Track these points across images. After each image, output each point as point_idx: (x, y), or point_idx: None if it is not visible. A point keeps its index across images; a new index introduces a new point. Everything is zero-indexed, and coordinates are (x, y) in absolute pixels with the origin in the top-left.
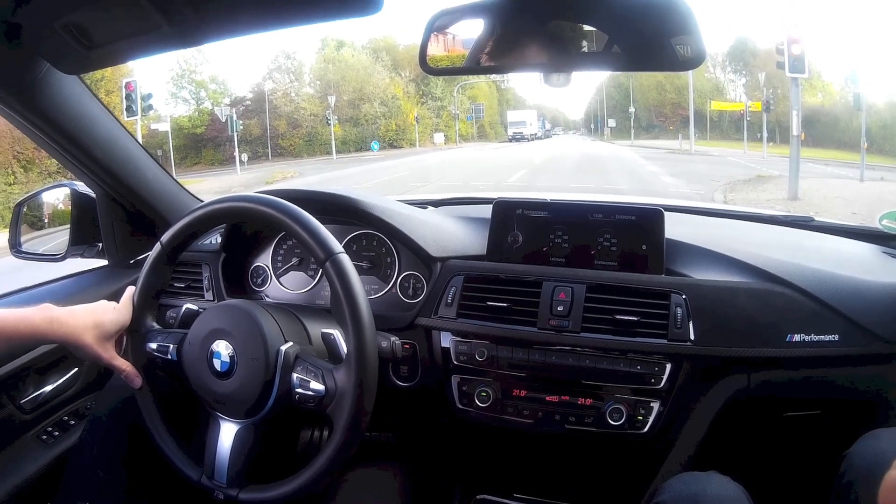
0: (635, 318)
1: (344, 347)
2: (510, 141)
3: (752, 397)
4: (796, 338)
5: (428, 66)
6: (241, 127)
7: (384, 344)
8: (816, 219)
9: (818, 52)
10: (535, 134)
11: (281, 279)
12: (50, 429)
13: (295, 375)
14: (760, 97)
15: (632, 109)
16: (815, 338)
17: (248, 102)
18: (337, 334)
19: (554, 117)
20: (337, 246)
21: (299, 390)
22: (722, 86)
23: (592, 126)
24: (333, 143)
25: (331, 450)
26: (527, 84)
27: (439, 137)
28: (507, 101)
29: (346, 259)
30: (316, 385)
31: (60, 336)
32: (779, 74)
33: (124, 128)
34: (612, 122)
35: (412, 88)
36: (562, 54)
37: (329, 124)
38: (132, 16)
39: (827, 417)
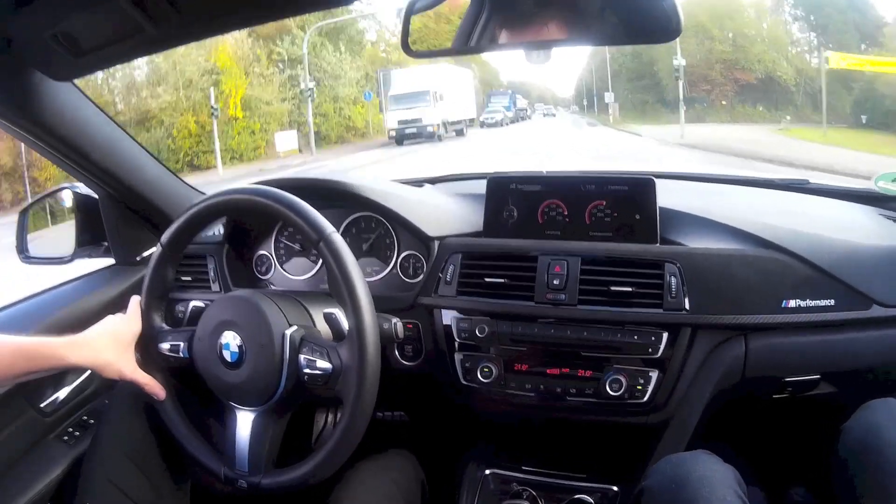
0: (630, 289)
1: (345, 324)
2: (397, 141)
3: (751, 364)
4: (792, 303)
5: (410, 50)
6: None
7: (385, 326)
8: (812, 181)
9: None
10: (486, 120)
11: (285, 266)
12: (71, 429)
13: (302, 357)
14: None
15: (676, 65)
16: (810, 303)
17: None
18: (338, 313)
19: (541, 95)
20: (328, 226)
21: (307, 370)
22: (789, 36)
23: (585, 102)
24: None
25: (343, 425)
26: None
27: (286, 141)
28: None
29: (337, 238)
30: (322, 363)
31: (83, 357)
32: None
33: (122, 128)
34: (609, 97)
35: (250, 48)
36: (545, 30)
37: None
38: (117, 21)
39: (827, 385)
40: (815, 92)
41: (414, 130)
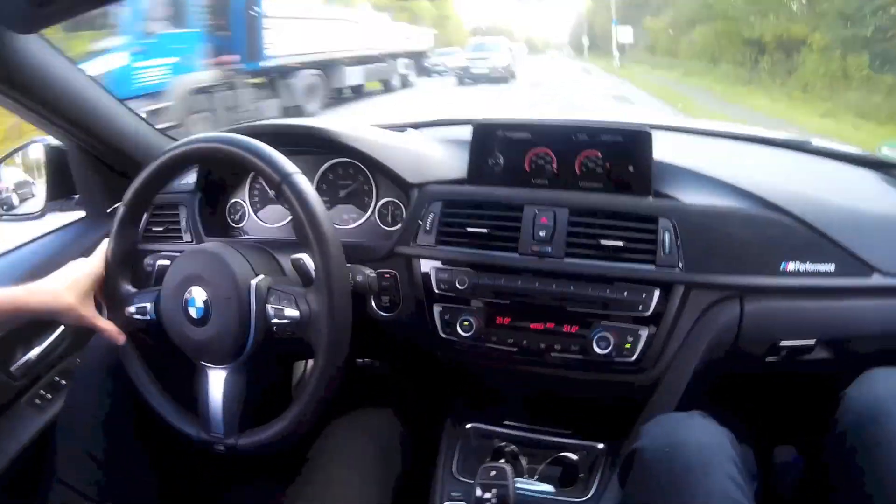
0: (621, 244)
1: (313, 269)
2: None
3: (746, 326)
4: (791, 266)
5: None
6: None
7: (359, 278)
8: (814, 142)
9: None
10: None
11: (259, 214)
12: (42, 391)
13: (269, 306)
14: None
15: None
16: (810, 267)
17: None
18: (306, 258)
19: (529, 41)
20: (290, 166)
21: (275, 320)
22: None
23: (587, 42)
24: None
25: (316, 375)
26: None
27: None
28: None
29: (300, 178)
30: (290, 311)
31: (43, 303)
32: None
33: (92, 79)
34: (626, 33)
35: None
36: None
37: None
38: None
39: (822, 350)
40: None
41: None
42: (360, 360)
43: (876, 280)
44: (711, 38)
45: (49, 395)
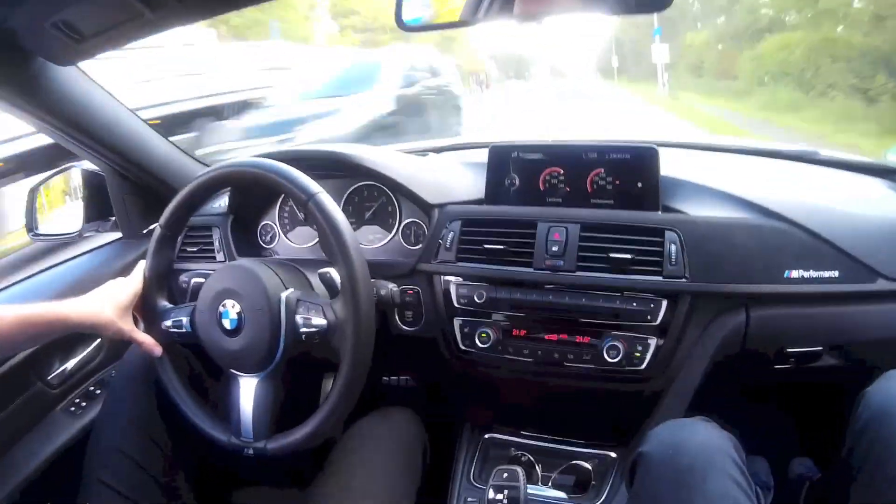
0: (629, 256)
1: (339, 281)
2: None
3: (752, 334)
4: (794, 274)
5: (404, 24)
6: None
7: (383, 292)
8: (822, 153)
9: None
10: None
11: (289, 235)
12: (77, 400)
13: (298, 316)
14: None
15: None
16: (814, 274)
17: None
18: (332, 271)
19: (554, 68)
20: (315, 186)
21: (304, 329)
22: None
23: (616, 64)
24: None
25: (342, 380)
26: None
27: None
28: None
29: (325, 197)
30: (318, 320)
31: (85, 317)
32: None
33: (126, 107)
34: (662, 53)
35: None
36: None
37: None
38: (115, 7)
39: (830, 357)
40: None
41: None
42: (386, 379)
43: (880, 285)
44: (800, 52)
45: (84, 404)
